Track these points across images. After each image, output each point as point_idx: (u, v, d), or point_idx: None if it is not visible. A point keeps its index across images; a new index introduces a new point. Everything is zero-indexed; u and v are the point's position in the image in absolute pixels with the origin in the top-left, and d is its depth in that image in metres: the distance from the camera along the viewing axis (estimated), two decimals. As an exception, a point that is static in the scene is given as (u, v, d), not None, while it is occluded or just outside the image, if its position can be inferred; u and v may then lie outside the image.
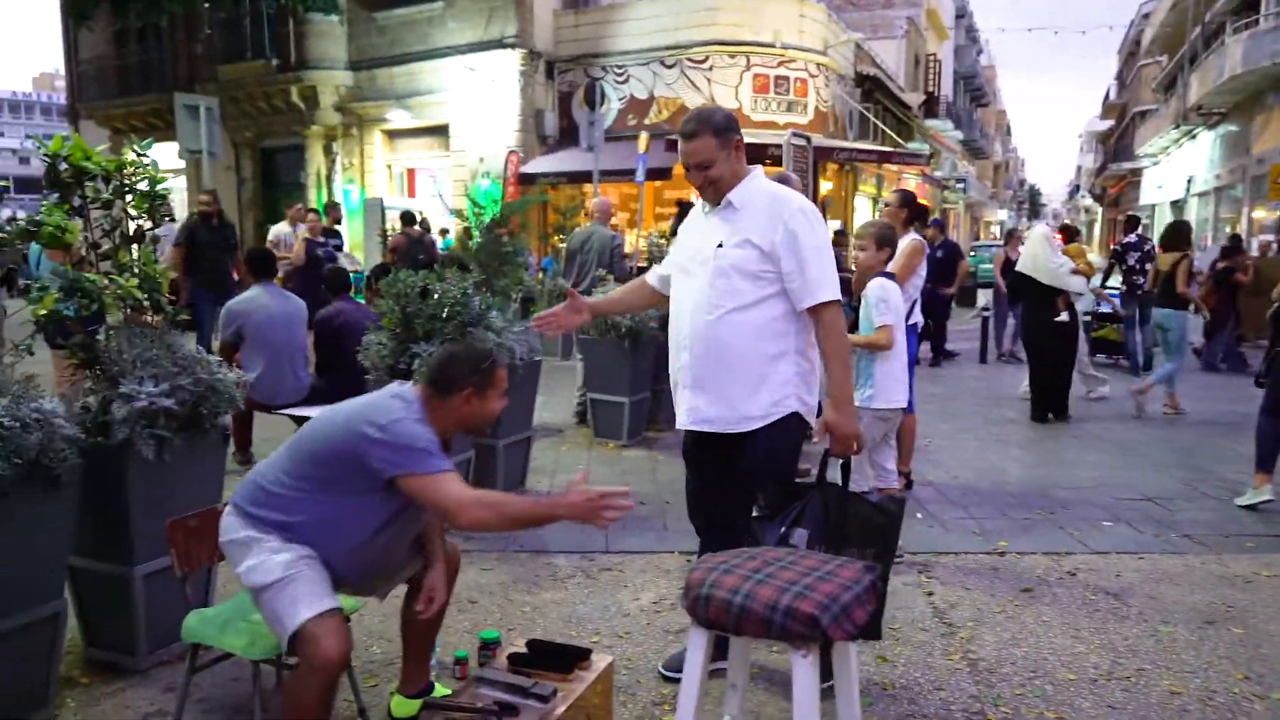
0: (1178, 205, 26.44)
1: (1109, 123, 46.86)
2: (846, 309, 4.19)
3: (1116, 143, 42.27)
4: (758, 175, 2.72)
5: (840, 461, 2.61)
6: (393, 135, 17.51)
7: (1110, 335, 10.53)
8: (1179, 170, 26.18)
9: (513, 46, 15.52)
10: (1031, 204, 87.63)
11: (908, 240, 5.11)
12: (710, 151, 2.62)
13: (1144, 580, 3.96)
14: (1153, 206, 30.81)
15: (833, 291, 2.61)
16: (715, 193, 2.68)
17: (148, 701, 2.85)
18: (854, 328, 4.03)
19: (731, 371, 2.63)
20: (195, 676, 2.62)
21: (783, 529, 2.39)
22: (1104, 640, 3.36)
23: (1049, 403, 7.40)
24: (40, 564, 2.61)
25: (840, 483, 2.55)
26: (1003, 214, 56.61)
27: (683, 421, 2.76)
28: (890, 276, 4.09)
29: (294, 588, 2.22)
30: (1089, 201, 59.80)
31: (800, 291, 2.59)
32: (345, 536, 2.32)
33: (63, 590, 2.75)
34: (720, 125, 2.64)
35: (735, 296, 2.59)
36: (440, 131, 16.54)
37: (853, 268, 4.22)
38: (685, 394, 2.73)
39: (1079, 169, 74.41)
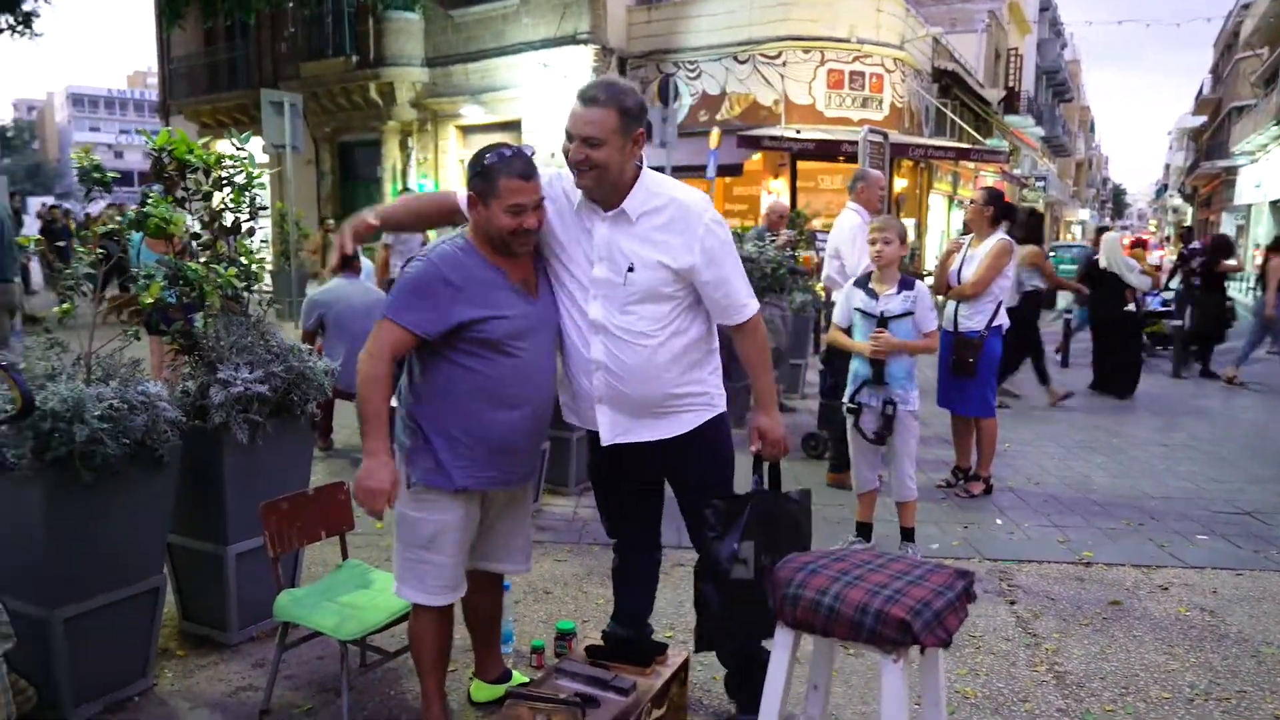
0: (1277, 205, 25.09)
1: (1202, 119, 44.71)
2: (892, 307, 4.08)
3: (1210, 140, 40.33)
4: (648, 174, 2.40)
5: (768, 464, 2.53)
6: (466, 130, 17.78)
7: (1160, 329, 11.21)
8: (1279, 168, 24.81)
9: (586, 43, 15.61)
10: (1115, 204, 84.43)
11: (995, 240, 4.97)
12: (607, 130, 2.25)
13: (1243, 598, 3.77)
14: (1249, 206, 29.29)
15: (754, 302, 2.47)
16: (596, 182, 2.31)
17: (239, 675, 2.96)
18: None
19: (654, 391, 2.42)
20: (283, 654, 2.71)
21: (735, 545, 2.32)
22: (1200, 659, 3.21)
23: (1118, 381, 8.49)
24: (143, 540, 2.74)
25: (770, 486, 2.51)
26: (1084, 213, 54.63)
27: (606, 438, 2.48)
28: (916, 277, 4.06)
29: (423, 570, 2.40)
30: (1178, 201, 57.30)
31: (725, 309, 2.44)
32: (469, 401, 2.33)
33: (162, 566, 2.87)
34: (631, 109, 2.28)
35: (650, 321, 2.39)
36: (513, 127, 16.72)
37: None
38: (604, 410, 2.47)
39: (1167, 167, 71.36)
